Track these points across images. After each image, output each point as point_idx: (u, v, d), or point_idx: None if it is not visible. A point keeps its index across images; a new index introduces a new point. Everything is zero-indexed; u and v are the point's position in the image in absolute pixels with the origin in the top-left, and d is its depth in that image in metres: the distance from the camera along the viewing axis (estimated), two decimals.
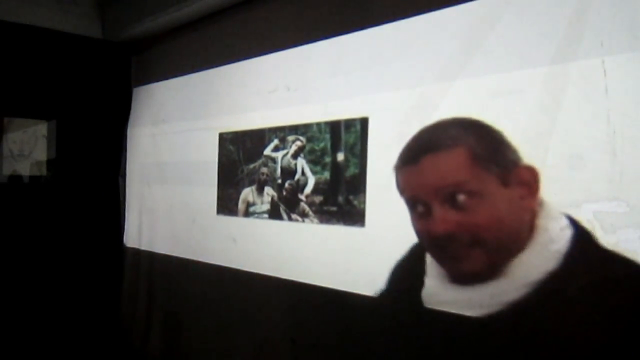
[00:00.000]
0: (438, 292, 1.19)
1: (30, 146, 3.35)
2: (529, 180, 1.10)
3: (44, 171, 3.34)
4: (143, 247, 3.32)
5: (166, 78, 3.19)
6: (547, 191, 1.49)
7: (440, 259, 1.16)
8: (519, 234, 1.02)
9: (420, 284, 1.23)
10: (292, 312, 2.32)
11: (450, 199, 1.09)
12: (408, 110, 1.87)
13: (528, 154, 1.52)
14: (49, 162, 3.34)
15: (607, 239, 1.39)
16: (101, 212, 3.38)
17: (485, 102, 1.66)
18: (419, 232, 1.18)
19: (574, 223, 1.05)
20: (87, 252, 3.29)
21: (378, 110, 1.97)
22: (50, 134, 3.35)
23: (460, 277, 1.13)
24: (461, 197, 1.08)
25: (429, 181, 1.10)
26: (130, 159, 3.51)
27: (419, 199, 1.15)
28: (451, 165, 1.10)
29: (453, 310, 1.19)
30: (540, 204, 1.07)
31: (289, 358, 2.32)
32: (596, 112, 1.42)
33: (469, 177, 1.09)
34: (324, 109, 2.17)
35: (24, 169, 3.33)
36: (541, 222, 1.07)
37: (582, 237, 1.03)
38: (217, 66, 2.81)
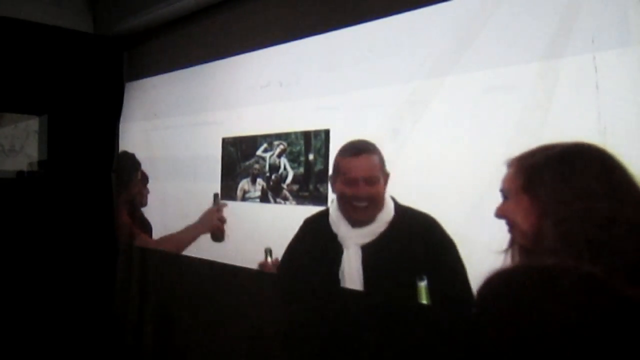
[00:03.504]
0: (347, 233, 1.94)
1: (21, 141, 3.33)
2: (386, 180, 1.84)
3: (35, 166, 3.32)
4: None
5: (158, 73, 3.18)
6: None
7: (347, 211, 1.93)
8: (382, 201, 1.84)
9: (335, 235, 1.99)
10: (284, 306, 2.33)
11: (368, 180, 1.86)
12: (400, 106, 1.88)
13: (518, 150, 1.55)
14: (41, 157, 3.32)
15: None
16: (93, 207, 3.37)
17: (476, 97, 1.67)
18: (345, 194, 1.93)
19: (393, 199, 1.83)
20: (80, 247, 3.28)
21: (371, 105, 1.99)
22: (42, 129, 3.33)
23: (354, 219, 1.92)
24: (372, 180, 1.86)
25: (363, 168, 1.86)
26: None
27: (355, 178, 1.88)
28: (373, 162, 1.85)
29: (356, 241, 1.92)
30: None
31: (281, 352, 2.32)
32: (587, 109, 1.42)
33: (377, 170, 1.84)
34: (316, 103, 2.19)
35: (15, 165, 3.31)
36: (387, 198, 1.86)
37: (396, 202, 1.82)
38: (209, 61, 2.80)
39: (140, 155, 3.33)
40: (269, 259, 2.22)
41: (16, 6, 3.07)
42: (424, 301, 1.66)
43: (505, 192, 1.36)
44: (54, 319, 3.19)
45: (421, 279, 1.66)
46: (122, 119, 3.48)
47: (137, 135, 3.36)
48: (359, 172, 1.84)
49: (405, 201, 1.85)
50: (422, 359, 1.80)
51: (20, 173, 3.30)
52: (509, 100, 1.59)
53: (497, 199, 1.59)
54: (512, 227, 1.33)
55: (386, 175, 1.83)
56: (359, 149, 1.87)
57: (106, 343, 3.34)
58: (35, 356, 3.10)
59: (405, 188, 1.85)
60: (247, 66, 2.55)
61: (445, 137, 1.75)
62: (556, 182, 1.20)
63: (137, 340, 3.25)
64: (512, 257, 1.38)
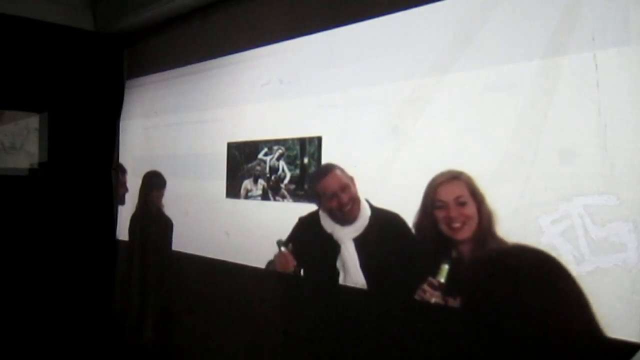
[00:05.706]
0: (340, 232, 2.15)
1: (22, 139, 3.33)
2: (353, 182, 2.11)
3: (35, 164, 3.32)
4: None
5: (159, 71, 3.18)
6: (539, 185, 1.51)
7: (335, 214, 2.17)
8: (359, 199, 2.08)
9: (330, 235, 2.20)
10: (284, 304, 2.34)
11: (341, 189, 2.12)
12: (401, 103, 1.88)
13: (519, 148, 1.56)
14: (41, 155, 3.32)
15: (597, 232, 1.40)
16: (93, 205, 3.37)
17: (477, 95, 1.67)
18: (332, 208, 2.18)
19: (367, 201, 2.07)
20: (80, 245, 3.28)
21: (371, 103, 1.99)
22: (42, 127, 3.33)
23: (344, 220, 2.15)
24: (344, 188, 2.12)
25: (333, 183, 2.17)
26: (123, 152, 3.49)
27: (333, 192, 2.16)
28: (338, 175, 2.15)
29: (349, 237, 2.12)
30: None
31: (281, 350, 2.33)
32: (587, 106, 1.43)
33: (344, 180, 2.12)
34: (316, 101, 2.19)
35: (16, 162, 3.31)
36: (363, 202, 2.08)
37: (370, 205, 2.05)
38: (210, 59, 2.80)
39: (140, 153, 3.33)
40: (283, 249, 2.36)
41: (16, 3, 3.07)
42: (443, 280, 1.79)
43: (463, 200, 1.72)
44: (54, 317, 3.19)
45: (445, 263, 1.77)
46: (122, 116, 3.49)
47: (137, 132, 3.36)
48: (334, 187, 2.16)
49: (406, 198, 1.86)
50: (421, 355, 1.81)
51: (21, 171, 3.30)
52: (510, 98, 1.59)
53: (497, 195, 1.61)
54: (465, 224, 1.72)
55: (351, 179, 2.12)
56: (324, 171, 2.23)
57: (107, 341, 3.34)
58: (35, 355, 3.10)
59: (406, 185, 1.85)
60: (247, 64, 2.55)
61: (446, 134, 1.75)
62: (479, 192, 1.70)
63: (137, 338, 3.26)
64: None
